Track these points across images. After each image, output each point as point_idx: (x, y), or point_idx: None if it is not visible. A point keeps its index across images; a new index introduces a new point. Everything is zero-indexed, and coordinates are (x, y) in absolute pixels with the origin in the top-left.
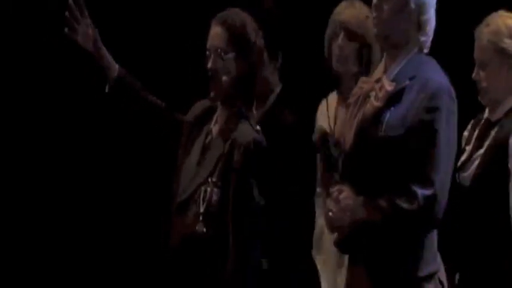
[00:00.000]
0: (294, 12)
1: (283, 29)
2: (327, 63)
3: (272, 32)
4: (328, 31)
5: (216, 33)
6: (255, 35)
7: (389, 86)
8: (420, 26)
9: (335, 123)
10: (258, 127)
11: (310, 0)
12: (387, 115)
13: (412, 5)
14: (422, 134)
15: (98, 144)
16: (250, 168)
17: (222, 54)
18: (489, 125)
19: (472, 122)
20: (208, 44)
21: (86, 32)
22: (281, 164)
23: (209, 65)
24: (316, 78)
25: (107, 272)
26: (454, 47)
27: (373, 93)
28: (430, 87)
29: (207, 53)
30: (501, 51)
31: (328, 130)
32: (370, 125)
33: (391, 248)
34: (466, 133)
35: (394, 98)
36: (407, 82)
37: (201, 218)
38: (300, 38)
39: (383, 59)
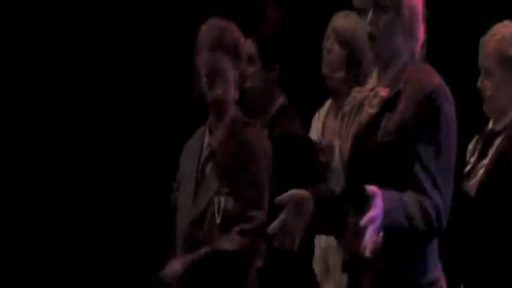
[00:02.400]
0: (298, 24)
1: (286, 41)
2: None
3: (273, 44)
4: (324, 39)
5: None
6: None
7: (383, 92)
8: (411, 34)
9: (323, 132)
10: (264, 131)
11: (313, 11)
12: (383, 121)
13: (406, 13)
14: (421, 139)
15: (98, 146)
16: (265, 170)
17: None
18: (493, 134)
19: (476, 136)
20: None
21: None
22: (283, 173)
23: (216, 93)
24: (317, 88)
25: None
26: (458, 57)
27: (367, 101)
28: (426, 91)
29: None
30: (506, 60)
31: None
32: (366, 132)
33: (395, 256)
34: (470, 146)
35: (389, 104)
36: (401, 87)
37: (219, 230)
38: (304, 48)
39: (376, 70)
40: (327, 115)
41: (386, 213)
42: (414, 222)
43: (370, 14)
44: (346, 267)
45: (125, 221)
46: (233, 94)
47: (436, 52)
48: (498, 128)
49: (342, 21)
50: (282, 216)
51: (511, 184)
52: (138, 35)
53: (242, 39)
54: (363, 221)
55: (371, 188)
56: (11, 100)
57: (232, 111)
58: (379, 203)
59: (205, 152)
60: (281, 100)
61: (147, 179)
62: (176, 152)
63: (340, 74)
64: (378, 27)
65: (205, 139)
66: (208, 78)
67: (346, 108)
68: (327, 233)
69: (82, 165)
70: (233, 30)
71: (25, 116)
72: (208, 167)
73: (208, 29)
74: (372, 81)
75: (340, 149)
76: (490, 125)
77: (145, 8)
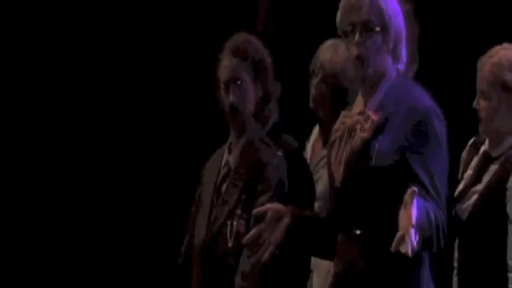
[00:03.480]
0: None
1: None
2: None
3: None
4: (311, 66)
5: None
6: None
7: (375, 116)
8: (396, 56)
9: (311, 158)
10: (279, 153)
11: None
12: (376, 145)
13: (392, 34)
14: (416, 161)
15: (98, 147)
16: (277, 194)
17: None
18: (488, 158)
19: (470, 142)
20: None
21: None
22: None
23: (231, 98)
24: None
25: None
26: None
27: (358, 126)
28: (418, 112)
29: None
30: (502, 84)
31: None
32: (360, 157)
33: (391, 273)
34: (464, 155)
35: (381, 127)
36: (391, 109)
37: (231, 253)
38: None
39: (359, 92)
40: (316, 140)
41: (417, 217)
42: (431, 231)
43: (357, 35)
44: (335, 285)
45: (125, 222)
46: (249, 106)
47: (431, 66)
48: (494, 154)
49: (328, 55)
50: (257, 228)
51: (503, 214)
52: (146, 33)
53: (267, 56)
54: (412, 221)
55: (413, 188)
56: (11, 100)
57: (250, 126)
58: (415, 204)
59: (222, 171)
60: (275, 117)
61: (147, 180)
62: (179, 152)
63: (328, 110)
64: (365, 48)
65: (224, 157)
66: (225, 84)
67: (336, 134)
68: (313, 253)
69: (82, 166)
70: (258, 45)
71: (26, 116)
72: (224, 186)
73: (235, 38)
74: (358, 105)
75: (331, 174)
76: (486, 146)
77: (166, 18)
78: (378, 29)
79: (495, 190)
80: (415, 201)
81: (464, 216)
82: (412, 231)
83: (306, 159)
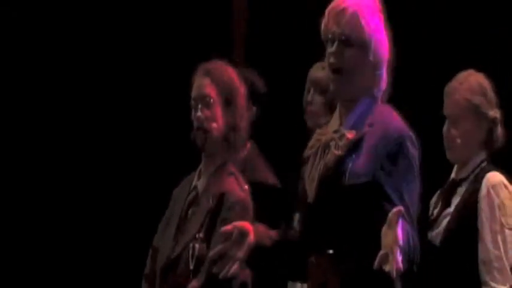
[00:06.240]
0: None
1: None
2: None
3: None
4: (305, 92)
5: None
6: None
7: (349, 134)
8: (375, 81)
9: None
10: (246, 186)
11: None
12: (349, 164)
13: (371, 57)
14: (388, 183)
15: (96, 150)
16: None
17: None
18: (455, 183)
19: (439, 191)
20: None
21: None
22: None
23: (198, 113)
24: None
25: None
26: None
27: (333, 143)
28: (392, 135)
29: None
30: (475, 109)
31: None
32: (333, 174)
33: None
34: (433, 199)
35: (355, 146)
36: (366, 129)
37: (191, 275)
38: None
39: (337, 111)
40: None
41: (402, 238)
42: (410, 254)
43: (335, 45)
44: None
45: (122, 225)
46: (216, 126)
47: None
48: (461, 176)
49: (319, 71)
50: (223, 245)
51: (476, 233)
52: (143, 37)
53: (240, 84)
54: (399, 241)
55: (399, 208)
56: (11, 100)
57: (215, 148)
58: (400, 225)
59: (191, 195)
60: (249, 145)
61: (145, 183)
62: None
63: (324, 120)
64: (342, 60)
65: (194, 182)
66: (194, 101)
67: (310, 150)
68: (287, 276)
69: (81, 169)
70: (231, 72)
71: (25, 115)
72: (191, 211)
73: (209, 62)
74: (333, 123)
75: (304, 191)
76: (453, 175)
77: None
78: (354, 43)
79: (464, 211)
80: (400, 221)
81: (438, 241)
82: (398, 251)
83: (283, 193)
